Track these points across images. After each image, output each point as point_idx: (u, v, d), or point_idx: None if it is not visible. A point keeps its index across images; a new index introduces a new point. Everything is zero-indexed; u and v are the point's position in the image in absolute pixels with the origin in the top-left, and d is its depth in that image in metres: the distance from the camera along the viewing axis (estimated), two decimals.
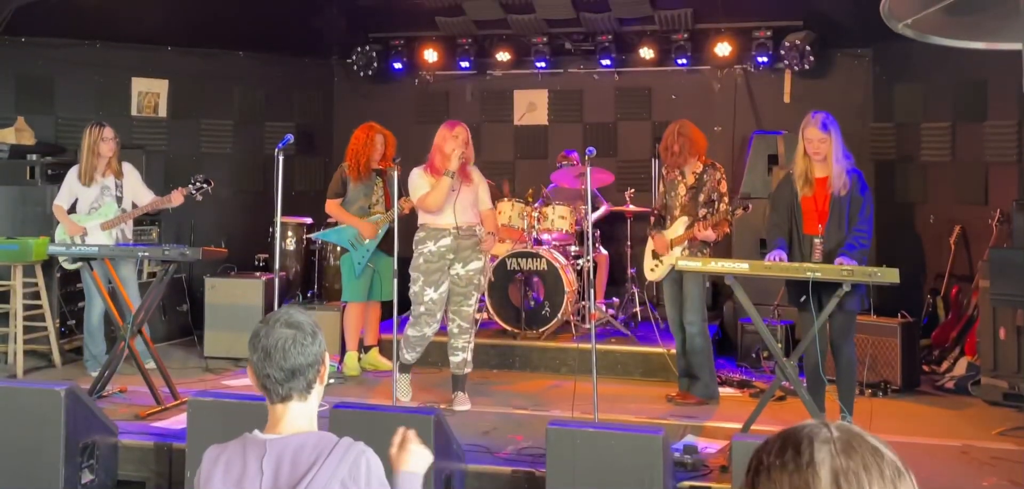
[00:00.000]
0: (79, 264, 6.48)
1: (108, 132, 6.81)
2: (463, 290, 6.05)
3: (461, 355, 6.11)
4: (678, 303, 6.16)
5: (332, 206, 6.98)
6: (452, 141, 5.94)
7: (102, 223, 6.75)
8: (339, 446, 2.24)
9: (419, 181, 6.00)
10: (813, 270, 4.94)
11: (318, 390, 2.36)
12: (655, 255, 6.28)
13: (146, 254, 6.26)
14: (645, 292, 7.89)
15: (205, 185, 6.71)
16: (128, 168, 6.95)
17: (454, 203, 5.94)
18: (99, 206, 6.80)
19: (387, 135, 7.06)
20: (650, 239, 6.33)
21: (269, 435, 2.29)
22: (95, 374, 6.28)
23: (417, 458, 2.45)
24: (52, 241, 6.81)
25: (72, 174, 6.83)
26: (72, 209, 6.83)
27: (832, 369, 5.48)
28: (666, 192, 6.23)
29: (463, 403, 6.05)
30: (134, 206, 6.86)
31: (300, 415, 2.32)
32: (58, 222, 6.83)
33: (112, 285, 6.38)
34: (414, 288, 6.03)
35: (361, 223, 6.80)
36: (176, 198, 6.71)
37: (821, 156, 5.21)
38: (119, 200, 6.83)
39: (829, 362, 5.46)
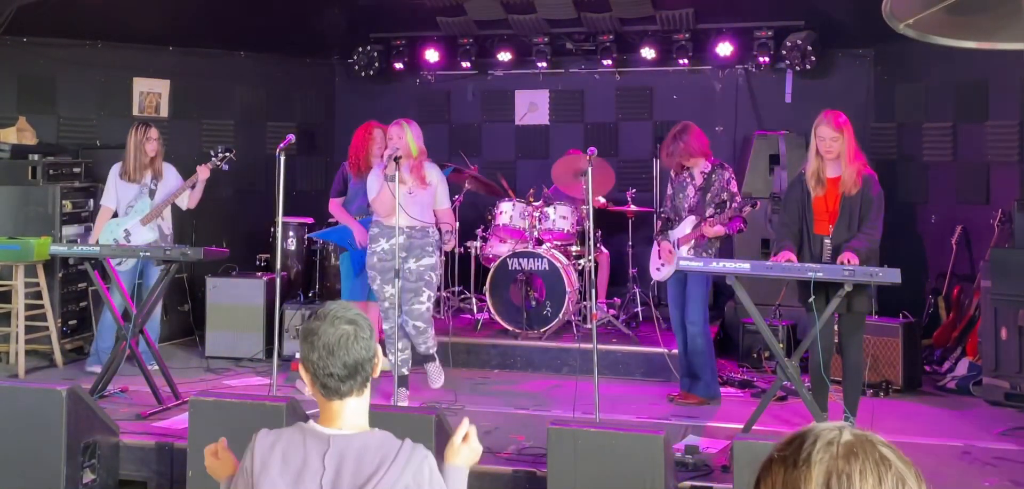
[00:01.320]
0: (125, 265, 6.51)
1: (153, 132, 6.90)
2: (413, 285, 6.05)
3: (425, 344, 6.29)
4: (681, 303, 6.15)
5: (334, 206, 6.97)
6: (383, 145, 6.05)
7: (141, 219, 6.80)
8: (403, 450, 2.26)
9: (372, 182, 6.07)
10: (814, 270, 4.93)
11: (370, 385, 2.38)
12: (661, 256, 6.28)
13: (147, 254, 6.27)
14: (648, 292, 7.90)
15: (227, 153, 6.75)
16: (169, 168, 7.00)
17: (408, 204, 5.96)
18: (135, 205, 6.86)
19: (387, 131, 7.04)
20: (656, 244, 6.33)
21: (329, 429, 2.30)
22: (97, 372, 6.28)
23: (465, 454, 2.51)
24: (58, 241, 6.82)
25: (114, 174, 6.88)
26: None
27: (836, 369, 5.46)
28: (675, 194, 6.23)
29: (437, 377, 6.41)
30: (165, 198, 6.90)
31: (356, 411, 2.34)
32: (102, 222, 6.84)
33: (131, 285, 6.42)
34: (373, 287, 6.17)
35: (358, 227, 6.73)
36: (202, 174, 6.76)
37: (834, 155, 5.18)
38: (152, 193, 6.89)
39: (833, 362, 5.44)
